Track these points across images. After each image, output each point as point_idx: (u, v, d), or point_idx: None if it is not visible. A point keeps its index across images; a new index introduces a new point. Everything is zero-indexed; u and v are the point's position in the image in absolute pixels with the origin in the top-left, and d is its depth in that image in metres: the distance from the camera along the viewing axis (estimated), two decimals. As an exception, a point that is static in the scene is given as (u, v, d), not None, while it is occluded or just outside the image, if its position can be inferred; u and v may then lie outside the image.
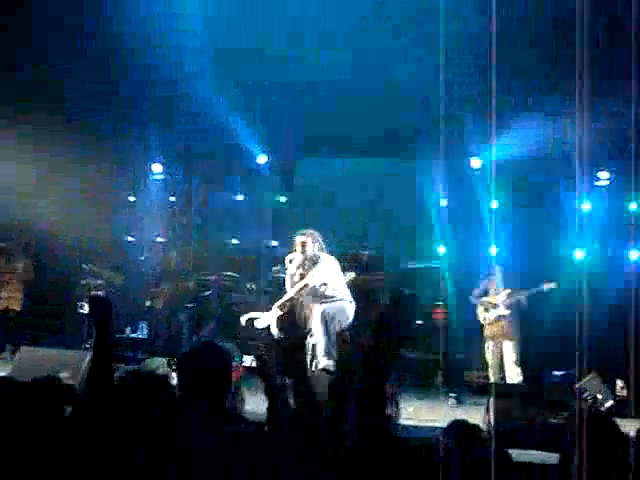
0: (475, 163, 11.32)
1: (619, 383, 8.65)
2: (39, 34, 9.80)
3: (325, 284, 8.21)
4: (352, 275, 9.31)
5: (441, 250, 11.19)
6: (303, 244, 8.25)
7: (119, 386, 3.47)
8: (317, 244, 8.27)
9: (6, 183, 11.16)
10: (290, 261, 8.36)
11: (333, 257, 8.33)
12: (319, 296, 8.22)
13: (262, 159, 12.40)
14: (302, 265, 8.29)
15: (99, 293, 9.87)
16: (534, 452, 5.93)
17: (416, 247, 11.79)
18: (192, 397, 3.44)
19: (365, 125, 10.84)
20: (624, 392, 8.81)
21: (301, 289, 8.26)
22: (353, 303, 8.31)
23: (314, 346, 8.14)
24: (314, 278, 8.19)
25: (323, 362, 8.02)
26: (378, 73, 10.24)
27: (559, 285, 9.56)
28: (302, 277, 8.28)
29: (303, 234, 8.30)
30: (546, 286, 9.65)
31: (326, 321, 8.10)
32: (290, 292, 8.31)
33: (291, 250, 8.42)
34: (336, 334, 8.04)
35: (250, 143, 12.06)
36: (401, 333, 8.61)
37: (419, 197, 11.76)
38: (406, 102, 10.16)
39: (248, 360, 8.43)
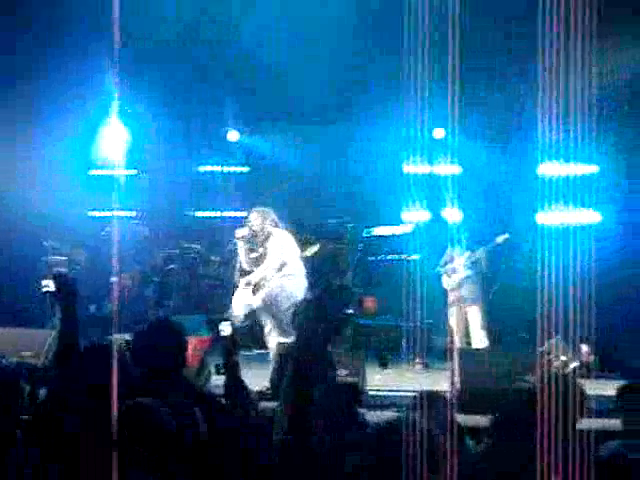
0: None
1: (584, 347, 8.75)
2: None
3: (279, 259, 8.46)
4: (316, 248, 9.42)
5: (407, 217, 11.22)
6: (252, 220, 8.56)
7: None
8: (268, 220, 8.54)
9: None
10: (242, 236, 8.64)
11: (286, 232, 8.62)
12: (274, 269, 8.49)
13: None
14: (250, 240, 8.60)
15: (62, 270, 9.76)
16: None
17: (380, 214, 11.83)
18: (148, 376, 3.43)
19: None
20: (590, 357, 8.92)
21: (265, 270, 8.50)
22: (303, 277, 8.56)
23: (267, 323, 8.48)
24: (272, 257, 8.48)
25: (275, 339, 8.30)
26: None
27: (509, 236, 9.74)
28: (251, 251, 8.62)
29: (253, 210, 8.66)
30: (499, 239, 9.80)
31: (277, 300, 8.39)
32: (256, 274, 8.53)
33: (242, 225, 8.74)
34: (290, 308, 8.20)
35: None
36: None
37: (382, 163, 11.78)
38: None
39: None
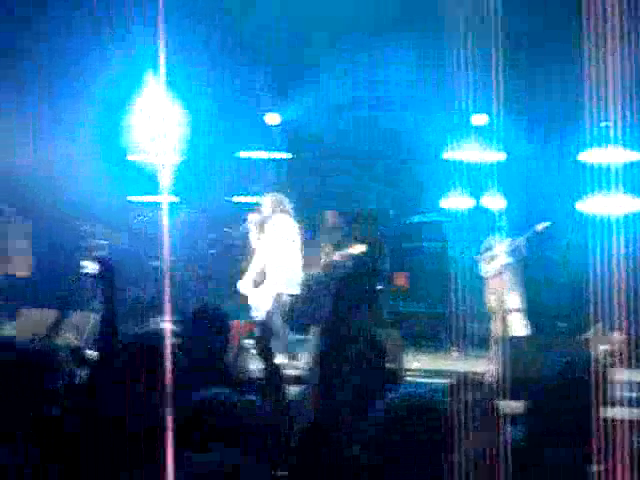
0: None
1: (626, 335, 8.63)
2: None
3: (281, 244, 8.91)
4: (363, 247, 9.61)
5: (448, 204, 11.16)
6: (264, 204, 9.10)
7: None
8: (278, 206, 9.00)
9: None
10: (253, 220, 9.18)
11: (287, 218, 9.02)
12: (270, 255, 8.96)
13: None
14: (259, 225, 9.10)
15: (102, 254, 9.86)
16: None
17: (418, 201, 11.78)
18: (195, 358, 3.45)
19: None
20: (631, 345, 8.80)
21: (267, 257, 8.96)
22: (300, 266, 8.96)
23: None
24: (269, 243, 8.95)
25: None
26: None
27: (552, 224, 9.66)
28: (260, 234, 9.12)
29: (266, 195, 9.20)
30: (540, 227, 9.71)
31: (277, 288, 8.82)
32: (257, 263, 9.02)
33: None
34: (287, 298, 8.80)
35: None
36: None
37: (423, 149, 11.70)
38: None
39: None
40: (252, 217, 9.20)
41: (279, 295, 8.80)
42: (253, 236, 9.17)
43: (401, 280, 10.87)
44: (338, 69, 11.63)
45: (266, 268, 8.95)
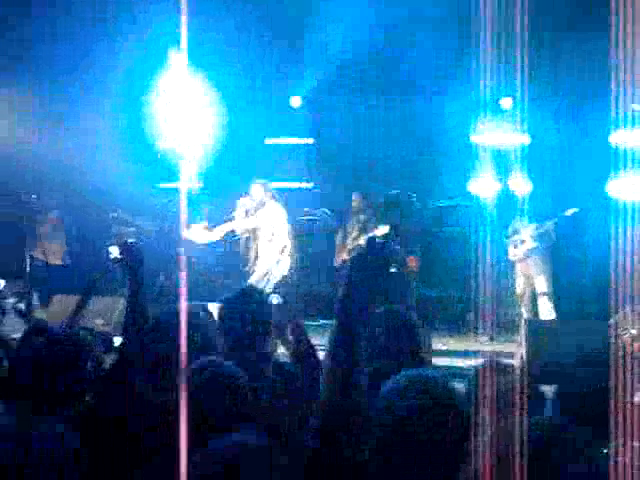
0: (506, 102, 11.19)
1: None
2: None
3: (264, 228, 9.26)
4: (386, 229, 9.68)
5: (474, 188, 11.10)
6: (253, 191, 9.40)
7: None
8: (267, 192, 9.37)
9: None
10: (243, 205, 9.48)
11: (280, 206, 9.36)
12: (261, 238, 9.33)
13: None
14: (248, 210, 9.42)
15: (130, 239, 9.90)
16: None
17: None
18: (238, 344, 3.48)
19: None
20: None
21: (239, 226, 9.47)
22: (290, 251, 9.30)
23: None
24: (252, 221, 9.36)
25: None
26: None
27: (580, 209, 9.62)
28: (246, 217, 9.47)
29: (255, 182, 9.45)
30: (569, 212, 9.66)
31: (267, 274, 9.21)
32: (229, 225, 9.56)
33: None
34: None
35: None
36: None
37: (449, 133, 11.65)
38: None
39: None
40: (243, 201, 9.48)
41: (270, 274, 9.18)
42: (238, 218, 9.49)
43: (412, 262, 10.86)
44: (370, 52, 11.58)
45: (258, 252, 9.34)
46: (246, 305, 3.82)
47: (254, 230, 9.40)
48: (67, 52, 11.31)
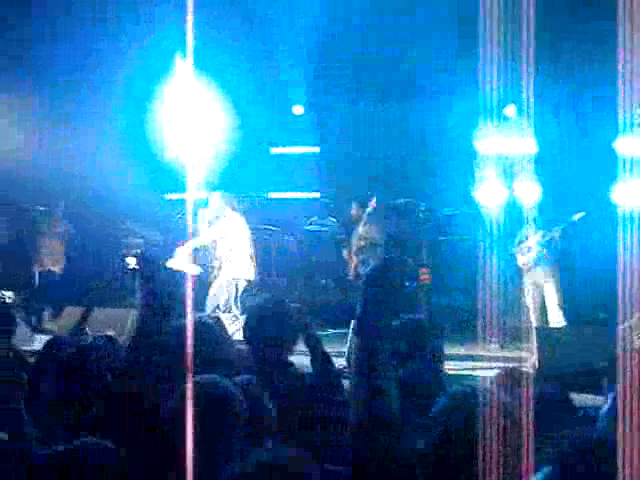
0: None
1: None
2: None
3: (224, 239, 9.47)
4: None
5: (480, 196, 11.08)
6: (212, 202, 9.60)
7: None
8: (226, 203, 9.53)
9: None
10: (205, 216, 9.74)
11: (239, 216, 9.59)
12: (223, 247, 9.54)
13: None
14: (209, 220, 9.65)
15: (145, 250, 9.98)
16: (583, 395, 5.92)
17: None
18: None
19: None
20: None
21: (203, 239, 9.64)
22: (250, 259, 9.52)
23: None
24: (214, 233, 9.54)
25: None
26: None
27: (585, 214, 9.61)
28: (209, 228, 9.66)
29: (214, 193, 9.69)
30: (575, 217, 9.67)
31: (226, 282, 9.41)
32: (196, 240, 9.58)
33: None
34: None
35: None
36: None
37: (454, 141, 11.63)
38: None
39: None
40: (204, 212, 9.69)
41: (234, 280, 9.38)
42: (203, 229, 9.67)
43: (423, 276, 10.86)
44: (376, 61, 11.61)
45: (221, 259, 9.55)
46: (274, 316, 3.85)
47: (216, 240, 9.63)
48: (67, 52, 11.28)
